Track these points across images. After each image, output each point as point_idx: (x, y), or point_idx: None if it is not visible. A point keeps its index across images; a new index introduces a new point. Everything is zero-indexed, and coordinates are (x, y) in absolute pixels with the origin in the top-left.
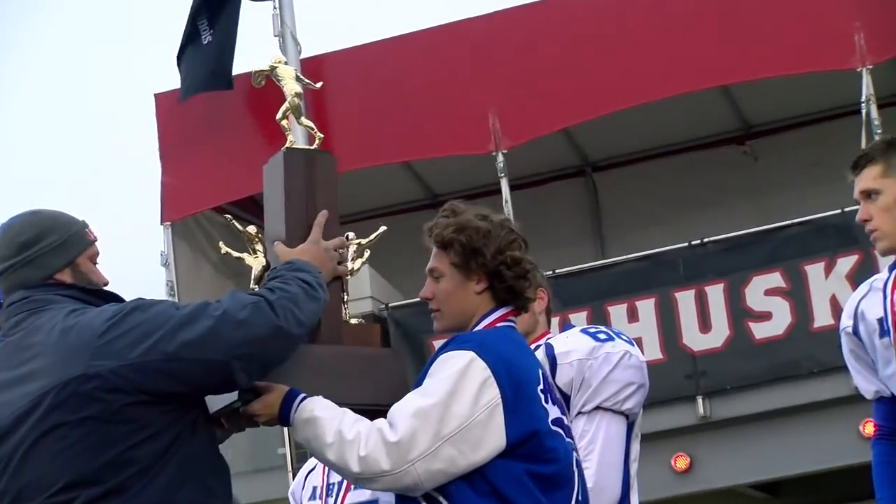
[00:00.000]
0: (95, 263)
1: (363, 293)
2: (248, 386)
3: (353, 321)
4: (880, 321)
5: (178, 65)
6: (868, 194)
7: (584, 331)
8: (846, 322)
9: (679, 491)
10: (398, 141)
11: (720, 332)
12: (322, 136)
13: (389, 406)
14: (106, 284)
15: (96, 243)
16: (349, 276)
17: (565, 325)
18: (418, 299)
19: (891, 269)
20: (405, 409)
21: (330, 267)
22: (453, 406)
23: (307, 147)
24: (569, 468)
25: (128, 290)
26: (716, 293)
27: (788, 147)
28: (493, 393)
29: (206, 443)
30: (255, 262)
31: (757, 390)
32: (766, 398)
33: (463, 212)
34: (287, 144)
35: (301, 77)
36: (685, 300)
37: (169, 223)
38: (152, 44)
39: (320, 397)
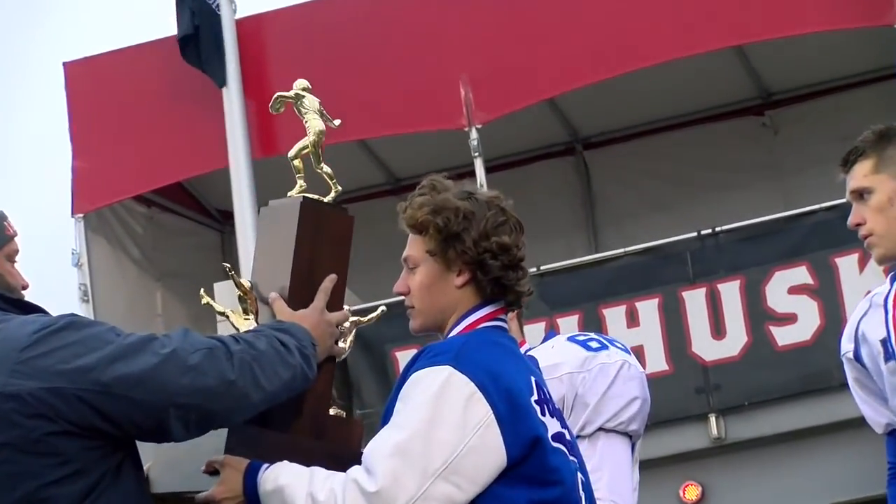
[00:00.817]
0: (14, 262)
1: None
2: (182, 440)
3: (332, 412)
4: (884, 342)
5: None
6: (860, 194)
7: (571, 339)
8: (846, 346)
9: None
10: (352, 115)
11: (736, 339)
12: (340, 188)
13: None
14: (25, 288)
15: (16, 239)
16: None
17: (548, 333)
18: (379, 302)
19: (892, 281)
20: (380, 448)
21: (328, 343)
22: (437, 434)
23: (323, 199)
24: (573, 492)
25: (34, 292)
26: (730, 292)
27: (815, 118)
28: (483, 410)
29: (133, 489)
30: (244, 326)
31: (780, 407)
32: (792, 416)
33: (445, 189)
34: (297, 190)
35: (323, 112)
36: (694, 301)
37: (81, 215)
38: (62, 5)
39: (285, 462)
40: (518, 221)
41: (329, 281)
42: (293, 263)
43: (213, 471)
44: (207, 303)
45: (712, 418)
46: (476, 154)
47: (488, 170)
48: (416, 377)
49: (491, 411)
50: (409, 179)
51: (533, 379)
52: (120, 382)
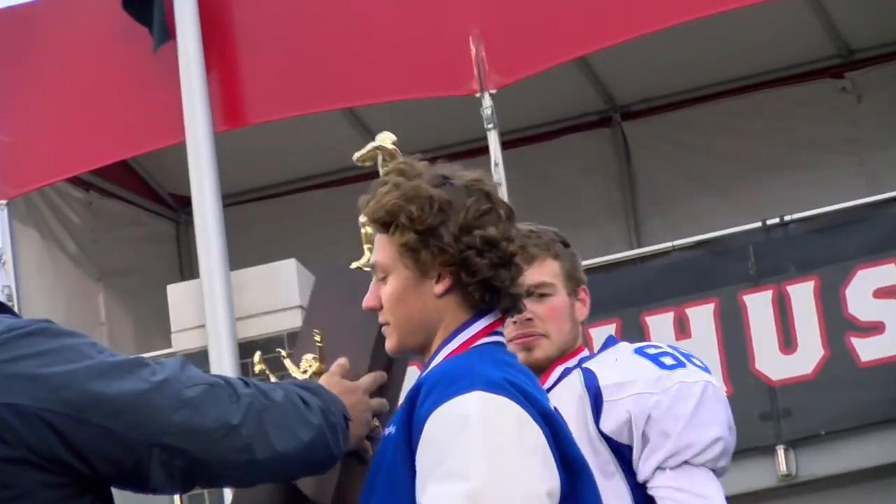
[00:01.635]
0: None
1: (290, 301)
2: (163, 491)
3: None
4: None
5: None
6: None
7: (640, 352)
8: None
9: None
10: (338, 79)
11: (810, 353)
12: None
13: None
14: None
15: None
16: None
17: (608, 340)
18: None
19: None
20: None
21: (360, 431)
22: (504, 470)
23: None
24: None
25: None
26: (802, 295)
27: None
28: (535, 429)
29: None
30: None
31: (864, 436)
32: (879, 448)
33: (416, 175)
34: (365, 261)
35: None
36: (758, 306)
37: (5, 202)
38: None
39: None
40: (508, 208)
41: (380, 375)
42: (373, 349)
43: None
44: (263, 370)
45: (780, 451)
46: (490, 125)
47: (505, 145)
48: (440, 415)
49: (541, 431)
50: (407, 157)
51: (553, 407)
52: (96, 407)
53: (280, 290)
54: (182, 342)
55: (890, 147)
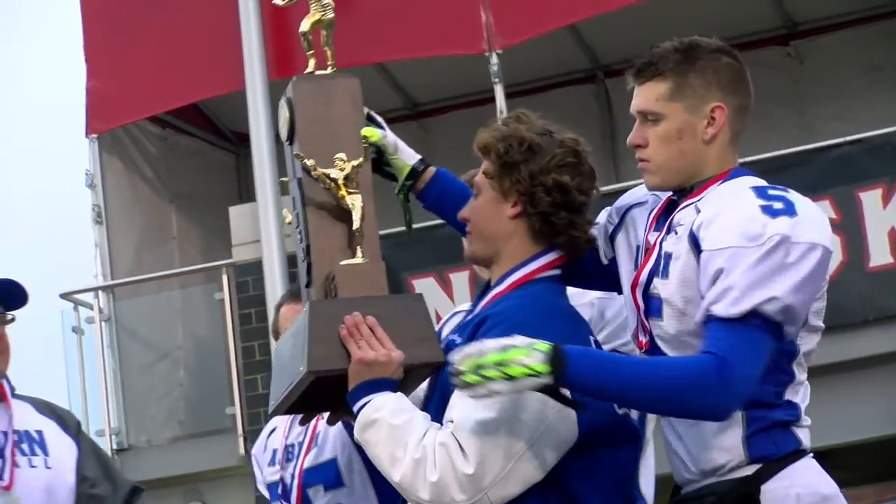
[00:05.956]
0: None
1: None
2: None
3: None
4: (637, 248)
5: None
6: (646, 115)
7: None
8: (603, 217)
9: None
10: (370, 39)
11: None
12: None
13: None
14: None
15: None
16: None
17: None
18: (394, 230)
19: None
20: (468, 425)
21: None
22: (520, 415)
23: None
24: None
25: (48, 214)
26: None
27: (842, 48)
28: None
29: None
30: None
31: None
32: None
33: (528, 122)
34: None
35: None
36: None
37: (95, 136)
38: None
39: (396, 397)
40: (591, 169)
41: None
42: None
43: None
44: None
45: None
46: (496, 80)
47: (508, 96)
48: None
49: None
50: (427, 104)
51: (592, 340)
52: None
53: None
54: (241, 254)
55: (826, 104)
